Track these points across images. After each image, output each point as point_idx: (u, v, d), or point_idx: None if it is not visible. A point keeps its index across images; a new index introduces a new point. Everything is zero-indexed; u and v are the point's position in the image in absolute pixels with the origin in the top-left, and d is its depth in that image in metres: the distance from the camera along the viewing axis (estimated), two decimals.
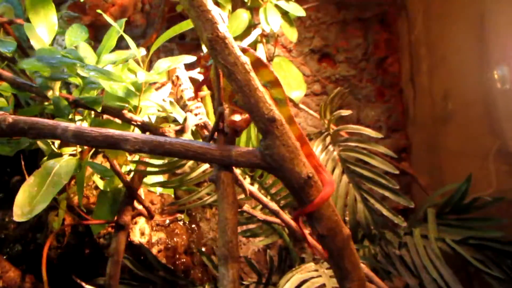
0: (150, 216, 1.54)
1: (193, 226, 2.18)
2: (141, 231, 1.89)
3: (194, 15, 0.92)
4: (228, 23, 1.84)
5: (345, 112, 1.74)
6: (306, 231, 1.28)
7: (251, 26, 1.87)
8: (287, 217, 1.52)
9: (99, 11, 1.44)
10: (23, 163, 1.68)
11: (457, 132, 2.39)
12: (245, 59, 0.94)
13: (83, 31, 1.63)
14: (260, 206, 1.85)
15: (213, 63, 1.03)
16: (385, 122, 2.38)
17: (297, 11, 1.85)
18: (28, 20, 1.66)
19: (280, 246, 2.00)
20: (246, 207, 1.78)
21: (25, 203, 1.11)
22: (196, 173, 1.44)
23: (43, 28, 1.45)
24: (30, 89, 1.42)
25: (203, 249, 2.24)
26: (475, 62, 2.26)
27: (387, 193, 1.56)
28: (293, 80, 1.95)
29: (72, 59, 1.39)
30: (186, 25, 1.43)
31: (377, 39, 2.41)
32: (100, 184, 1.67)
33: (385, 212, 1.55)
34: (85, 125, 1.54)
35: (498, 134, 2.22)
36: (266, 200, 1.49)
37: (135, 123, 1.36)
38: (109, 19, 1.41)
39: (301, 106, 2.04)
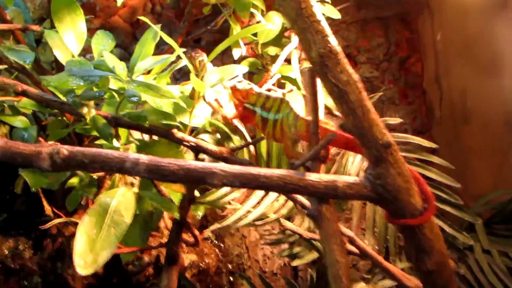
0: (197, 244, 1.39)
1: (219, 243, 2.03)
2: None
3: (302, 26, 0.77)
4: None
5: (393, 120, 1.63)
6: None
7: (284, 31, 1.72)
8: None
9: (142, 18, 1.26)
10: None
11: (477, 130, 2.35)
12: (357, 77, 0.81)
13: (109, 38, 1.44)
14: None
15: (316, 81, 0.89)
16: (411, 124, 2.30)
17: (333, 13, 1.72)
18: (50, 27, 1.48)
19: (318, 263, 1.89)
20: (289, 224, 1.66)
21: (86, 250, 0.93)
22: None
23: (70, 36, 1.26)
24: (61, 107, 1.23)
25: (230, 266, 2.11)
26: (489, 59, 2.21)
27: (448, 208, 1.46)
28: (323, 88, 1.82)
29: (106, 72, 1.22)
30: (240, 35, 1.27)
31: (399, 38, 2.32)
32: None
33: (446, 228, 1.45)
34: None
35: None
36: None
37: (187, 144, 1.20)
38: (148, 22, 1.24)
39: (336, 113, 1.92)
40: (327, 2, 1.70)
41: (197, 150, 1.22)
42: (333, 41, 0.78)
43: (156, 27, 1.33)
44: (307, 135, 1.00)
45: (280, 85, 1.68)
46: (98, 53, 1.39)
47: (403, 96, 2.32)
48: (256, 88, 1.21)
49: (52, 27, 1.30)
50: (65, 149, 0.89)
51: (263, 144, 1.41)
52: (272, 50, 1.72)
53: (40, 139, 1.21)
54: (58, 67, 1.63)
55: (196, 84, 1.11)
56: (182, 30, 1.68)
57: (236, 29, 1.66)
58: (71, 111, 1.22)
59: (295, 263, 1.81)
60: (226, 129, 1.17)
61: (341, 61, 0.79)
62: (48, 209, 1.68)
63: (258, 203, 1.49)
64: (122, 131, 1.27)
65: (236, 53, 1.68)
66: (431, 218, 0.90)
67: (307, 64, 1.88)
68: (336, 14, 1.73)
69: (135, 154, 0.88)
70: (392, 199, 0.86)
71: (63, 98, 1.30)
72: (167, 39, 1.16)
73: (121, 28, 2.05)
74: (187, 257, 1.76)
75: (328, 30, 0.78)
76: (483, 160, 2.30)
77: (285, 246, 2.06)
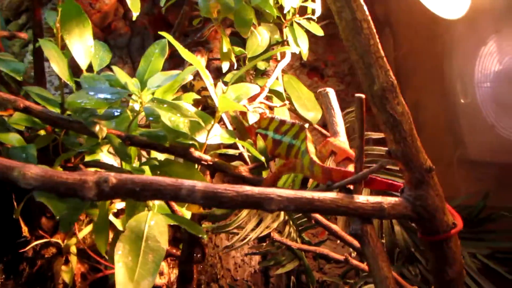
0: (203, 259, 1.38)
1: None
2: (159, 271, 1.69)
3: (368, 61, 0.82)
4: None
5: (376, 135, 1.74)
6: None
7: (272, 45, 1.76)
8: None
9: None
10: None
11: (426, 142, 2.55)
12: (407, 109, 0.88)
13: (105, 49, 1.38)
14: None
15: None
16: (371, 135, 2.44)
17: (317, 31, 1.79)
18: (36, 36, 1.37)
19: (298, 270, 1.96)
20: (278, 236, 1.70)
21: (126, 280, 0.89)
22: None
23: (79, 49, 1.19)
24: (70, 125, 1.16)
25: (204, 277, 2.10)
26: (440, 76, 2.43)
27: None
28: (308, 101, 1.88)
29: (120, 89, 1.17)
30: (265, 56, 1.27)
31: None
32: (117, 223, 1.45)
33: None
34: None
35: (459, 143, 2.42)
36: None
37: (205, 163, 1.19)
38: (168, 36, 1.20)
39: (316, 126, 1.99)
40: (313, 20, 1.77)
41: (215, 169, 1.21)
42: (392, 75, 0.84)
43: (159, 44, 1.30)
44: (323, 179, 1.02)
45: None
46: (98, 65, 1.32)
47: (366, 109, 2.45)
48: (267, 113, 1.26)
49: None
50: (113, 177, 0.85)
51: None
52: (261, 65, 1.75)
53: (82, 166, 1.14)
54: (37, 77, 1.51)
55: (223, 102, 1.11)
56: (175, 35, 1.64)
57: (226, 40, 1.66)
58: (80, 129, 1.15)
59: (278, 271, 1.86)
60: (249, 146, 1.18)
61: (399, 94, 0.85)
62: (25, 229, 1.56)
63: (259, 223, 1.53)
64: (133, 150, 1.23)
65: (225, 66, 1.68)
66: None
67: (291, 77, 1.94)
68: (319, 32, 1.81)
69: (189, 181, 0.86)
70: (429, 217, 0.94)
71: (52, 109, 1.23)
72: (187, 55, 1.14)
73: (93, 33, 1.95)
74: (173, 272, 1.73)
75: (387, 65, 0.84)
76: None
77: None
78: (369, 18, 0.82)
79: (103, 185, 0.84)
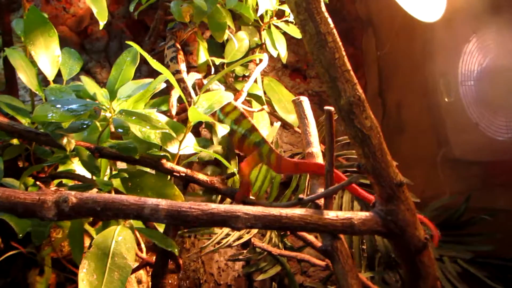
0: (178, 270, 1.35)
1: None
2: (137, 279, 1.66)
3: (334, 75, 0.80)
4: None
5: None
6: None
7: (251, 49, 1.73)
8: None
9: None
10: None
11: (409, 141, 2.55)
12: (376, 122, 0.86)
13: (76, 57, 1.35)
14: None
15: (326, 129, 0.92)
16: None
17: (296, 33, 1.76)
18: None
19: (280, 275, 1.94)
20: (259, 242, 1.69)
21: None
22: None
23: (44, 60, 1.15)
24: (36, 138, 1.13)
25: (187, 282, 2.08)
26: (422, 76, 2.42)
27: None
28: (289, 104, 1.86)
29: (89, 100, 1.14)
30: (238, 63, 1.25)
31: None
32: (93, 232, 1.42)
33: None
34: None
35: (443, 142, 2.42)
36: None
37: (177, 175, 1.16)
38: (136, 46, 1.17)
39: (297, 129, 1.97)
40: (291, 22, 1.74)
41: (187, 180, 1.19)
42: (360, 89, 0.82)
43: (130, 52, 1.27)
44: (276, 168, 1.19)
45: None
46: (68, 74, 1.29)
47: None
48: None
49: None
50: (73, 196, 0.82)
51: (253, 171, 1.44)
52: (239, 71, 1.72)
53: (40, 184, 1.11)
54: (8, 85, 1.47)
55: (193, 114, 1.08)
56: (147, 47, 1.61)
57: (203, 45, 1.63)
58: (48, 142, 1.12)
59: (260, 277, 1.85)
60: (220, 157, 1.15)
61: (367, 108, 0.83)
62: None
63: None
64: (104, 162, 1.20)
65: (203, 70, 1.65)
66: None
67: (271, 79, 1.92)
68: (298, 34, 1.78)
69: (153, 199, 0.84)
70: (400, 233, 0.92)
71: (22, 119, 1.20)
72: (157, 65, 1.11)
73: (68, 38, 1.90)
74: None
75: (355, 78, 0.81)
76: (412, 169, 2.49)
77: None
78: (334, 31, 0.79)
79: (63, 205, 0.82)
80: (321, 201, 0.97)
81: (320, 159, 1.08)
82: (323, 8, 0.78)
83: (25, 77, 1.20)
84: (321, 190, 1.01)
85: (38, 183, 1.17)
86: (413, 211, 0.92)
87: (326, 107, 0.87)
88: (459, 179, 2.32)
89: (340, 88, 0.80)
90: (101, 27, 1.15)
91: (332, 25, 0.79)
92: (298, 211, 0.88)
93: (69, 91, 1.12)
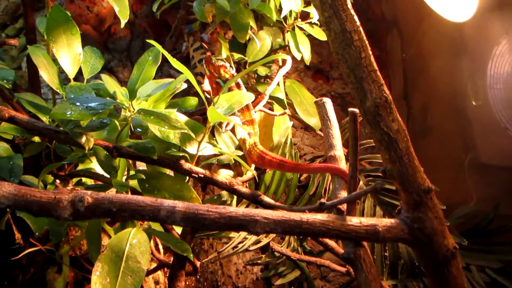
0: (196, 273, 1.33)
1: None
2: (155, 280, 1.65)
3: (360, 75, 0.76)
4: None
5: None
6: None
7: (273, 50, 1.70)
8: None
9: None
10: None
11: (434, 145, 2.48)
12: (403, 125, 0.82)
13: (97, 55, 1.34)
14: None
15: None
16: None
17: (320, 35, 1.72)
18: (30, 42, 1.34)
19: (299, 280, 1.91)
20: (277, 247, 1.65)
21: None
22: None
23: (66, 58, 1.15)
24: (56, 136, 1.12)
25: (204, 284, 2.06)
26: (449, 78, 2.35)
27: None
28: (310, 107, 1.82)
29: (108, 99, 1.13)
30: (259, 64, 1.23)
31: None
32: (112, 232, 1.41)
33: None
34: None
35: (471, 147, 2.34)
36: None
37: (196, 176, 1.14)
38: (157, 45, 1.15)
39: (318, 132, 1.93)
40: (316, 24, 1.70)
41: (206, 181, 1.17)
42: (387, 90, 0.78)
43: (153, 51, 1.26)
44: (253, 161, 1.25)
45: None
46: (89, 73, 1.28)
47: None
48: (229, 67, 1.36)
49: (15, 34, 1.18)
50: (89, 196, 0.81)
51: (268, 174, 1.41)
52: (262, 71, 1.70)
53: (57, 183, 1.10)
54: (31, 83, 1.48)
55: (212, 114, 1.05)
56: (169, 46, 1.60)
57: (225, 46, 1.61)
58: (67, 140, 1.12)
59: (279, 282, 1.81)
60: (240, 160, 1.13)
61: (394, 110, 0.79)
62: (18, 236, 1.54)
63: None
64: (122, 162, 1.19)
65: None
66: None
67: (293, 81, 1.88)
68: (322, 36, 1.74)
69: (170, 201, 0.82)
70: (428, 241, 0.88)
71: (42, 117, 1.20)
72: (177, 65, 1.09)
73: (91, 36, 1.91)
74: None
75: (381, 79, 0.78)
76: (438, 173, 2.42)
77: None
78: (361, 29, 0.76)
79: (78, 205, 0.80)
80: (344, 206, 0.93)
81: (343, 163, 1.04)
82: (349, 5, 0.74)
83: (46, 75, 1.20)
84: (343, 195, 0.97)
85: (57, 181, 1.16)
86: (441, 219, 0.87)
87: (351, 109, 0.83)
88: (487, 185, 2.24)
89: (366, 89, 0.76)
90: (122, 26, 1.14)
91: (358, 22, 0.76)
92: (319, 217, 0.85)
93: (89, 89, 1.11)
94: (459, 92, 2.29)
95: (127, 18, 1.15)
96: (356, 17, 0.75)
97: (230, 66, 1.39)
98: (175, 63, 1.10)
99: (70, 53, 1.15)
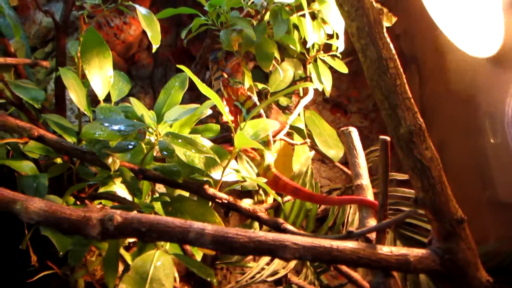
0: None
1: None
2: None
3: (394, 102, 0.76)
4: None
5: (400, 176, 1.66)
6: None
7: (296, 81, 1.72)
8: None
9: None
10: None
11: (450, 181, 2.44)
12: (437, 154, 0.81)
13: (125, 80, 1.37)
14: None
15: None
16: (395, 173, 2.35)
17: (342, 68, 1.75)
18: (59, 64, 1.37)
19: None
20: (295, 278, 1.62)
21: None
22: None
23: (97, 80, 1.17)
24: (83, 156, 1.13)
25: None
26: (467, 115, 2.34)
27: None
28: (329, 138, 1.81)
29: (136, 121, 1.15)
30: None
31: None
32: (128, 257, 1.39)
33: None
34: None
35: (488, 184, 2.30)
36: None
37: (219, 201, 1.14)
38: (185, 69, 1.17)
39: (337, 164, 1.92)
40: (337, 57, 1.73)
41: (229, 207, 1.16)
42: (420, 118, 0.78)
43: (180, 77, 1.28)
44: (269, 183, 1.21)
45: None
46: (117, 96, 1.31)
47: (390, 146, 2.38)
48: (246, 90, 1.36)
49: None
50: (118, 215, 0.81)
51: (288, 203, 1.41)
52: (283, 101, 1.71)
53: (87, 202, 1.11)
54: (58, 105, 1.51)
55: (240, 139, 1.06)
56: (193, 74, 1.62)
57: (248, 75, 1.64)
58: (93, 161, 1.12)
59: None
60: (265, 186, 1.12)
61: (427, 138, 0.79)
62: (34, 258, 1.53)
63: (271, 260, 1.45)
64: (145, 185, 1.19)
65: None
66: None
67: (312, 112, 1.89)
68: (344, 69, 1.77)
69: (199, 223, 0.81)
70: (460, 273, 0.86)
71: (68, 138, 1.21)
72: (206, 90, 1.11)
73: (116, 63, 1.95)
74: None
75: (415, 106, 0.78)
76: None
77: None
78: (396, 57, 0.77)
79: (108, 224, 0.80)
80: (372, 236, 0.91)
81: (370, 192, 1.03)
82: (385, 34, 0.75)
83: (75, 96, 1.22)
84: (371, 223, 0.96)
85: (85, 201, 1.17)
86: (474, 251, 0.86)
87: (382, 137, 0.83)
88: (506, 223, 2.20)
89: (400, 116, 0.77)
90: (153, 50, 1.17)
91: (393, 51, 0.77)
92: (350, 244, 0.83)
93: (119, 111, 1.13)
94: (477, 129, 2.28)
95: (159, 43, 1.18)
96: (391, 45, 0.76)
97: (252, 93, 1.41)
98: (203, 88, 1.12)
99: (101, 75, 1.17)
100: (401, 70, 0.77)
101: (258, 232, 0.81)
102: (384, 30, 0.76)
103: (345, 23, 0.76)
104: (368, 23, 0.73)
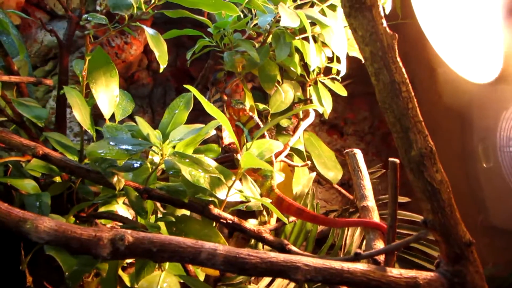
0: None
1: None
2: None
3: (406, 125, 0.78)
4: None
5: (401, 199, 1.67)
6: None
7: (295, 103, 1.74)
8: None
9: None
10: None
11: None
12: (446, 177, 0.82)
13: (128, 98, 1.38)
14: None
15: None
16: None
17: (341, 91, 1.77)
18: (63, 82, 1.37)
19: None
20: None
21: None
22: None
23: (104, 98, 1.17)
24: (87, 175, 1.12)
25: None
26: (460, 140, 2.38)
27: None
28: (328, 160, 1.83)
29: (142, 140, 1.15)
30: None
31: (382, 114, 2.43)
32: (126, 278, 1.37)
33: None
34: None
35: (482, 209, 2.32)
36: None
37: (224, 222, 1.13)
38: (193, 90, 1.18)
39: (336, 186, 1.93)
40: (338, 80, 1.75)
41: (234, 228, 1.15)
42: (431, 141, 0.80)
43: (186, 96, 1.29)
44: (273, 203, 1.19)
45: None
46: (121, 115, 1.31)
47: (383, 168, 2.40)
48: (248, 111, 1.39)
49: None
50: (129, 235, 0.80)
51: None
52: (284, 122, 1.73)
53: (97, 221, 1.09)
54: (58, 123, 1.50)
55: (247, 159, 1.06)
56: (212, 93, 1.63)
57: (249, 96, 1.65)
58: (98, 179, 1.11)
59: None
60: (271, 206, 1.12)
61: (437, 161, 0.80)
62: (29, 279, 1.49)
63: (272, 282, 1.44)
64: (149, 204, 1.18)
65: None
66: None
67: (311, 134, 1.91)
68: (343, 92, 1.79)
69: (210, 243, 0.81)
70: None
71: (70, 157, 1.20)
72: (212, 110, 1.11)
73: None
74: None
75: (426, 130, 0.79)
76: None
77: None
78: (408, 81, 0.78)
79: (118, 244, 0.79)
80: (380, 258, 0.92)
81: (375, 214, 1.04)
82: (398, 58, 0.77)
83: (79, 115, 1.21)
84: (378, 246, 0.96)
85: (95, 220, 1.15)
86: (482, 275, 0.86)
87: (391, 159, 0.84)
88: (500, 248, 2.21)
89: (411, 139, 0.78)
90: (161, 70, 1.18)
91: (406, 75, 0.79)
92: (360, 266, 0.83)
93: (125, 130, 1.13)
94: (470, 154, 2.31)
95: (165, 63, 1.18)
96: (403, 70, 0.78)
97: (253, 113, 1.42)
98: (210, 108, 1.13)
99: (108, 94, 1.18)
100: (413, 94, 0.79)
101: (269, 253, 0.81)
102: (397, 54, 0.78)
103: (358, 48, 0.78)
104: (382, 48, 0.75)
